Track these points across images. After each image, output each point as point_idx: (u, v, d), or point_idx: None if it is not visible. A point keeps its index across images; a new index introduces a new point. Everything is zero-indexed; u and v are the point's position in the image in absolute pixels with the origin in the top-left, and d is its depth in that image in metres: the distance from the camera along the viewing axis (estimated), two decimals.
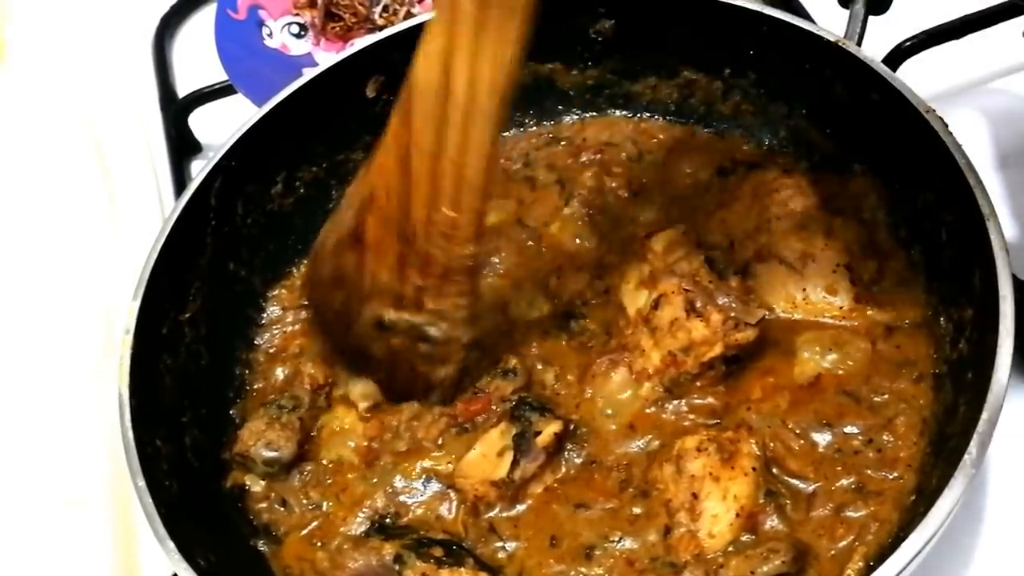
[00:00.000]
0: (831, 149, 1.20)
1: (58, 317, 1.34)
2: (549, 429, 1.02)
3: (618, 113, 1.36)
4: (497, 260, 1.22)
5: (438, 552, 0.98)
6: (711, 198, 1.21)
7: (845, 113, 1.15)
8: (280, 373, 1.17)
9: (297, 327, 1.23)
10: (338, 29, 1.59)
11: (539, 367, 1.11)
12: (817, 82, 1.17)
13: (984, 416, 0.84)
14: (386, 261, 1.02)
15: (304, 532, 1.05)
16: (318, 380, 1.13)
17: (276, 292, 1.26)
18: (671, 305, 1.05)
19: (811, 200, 1.14)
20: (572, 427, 1.05)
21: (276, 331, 1.23)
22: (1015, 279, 0.92)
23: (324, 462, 1.09)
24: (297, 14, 1.60)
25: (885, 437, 0.99)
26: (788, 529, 0.94)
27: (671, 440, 1.01)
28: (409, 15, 1.55)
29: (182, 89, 1.63)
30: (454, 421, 1.07)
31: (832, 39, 1.12)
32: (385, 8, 1.58)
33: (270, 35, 1.58)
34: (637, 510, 0.99)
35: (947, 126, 1.01)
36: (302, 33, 1.59)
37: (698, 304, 1.03)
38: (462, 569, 0.96)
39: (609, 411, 1.06)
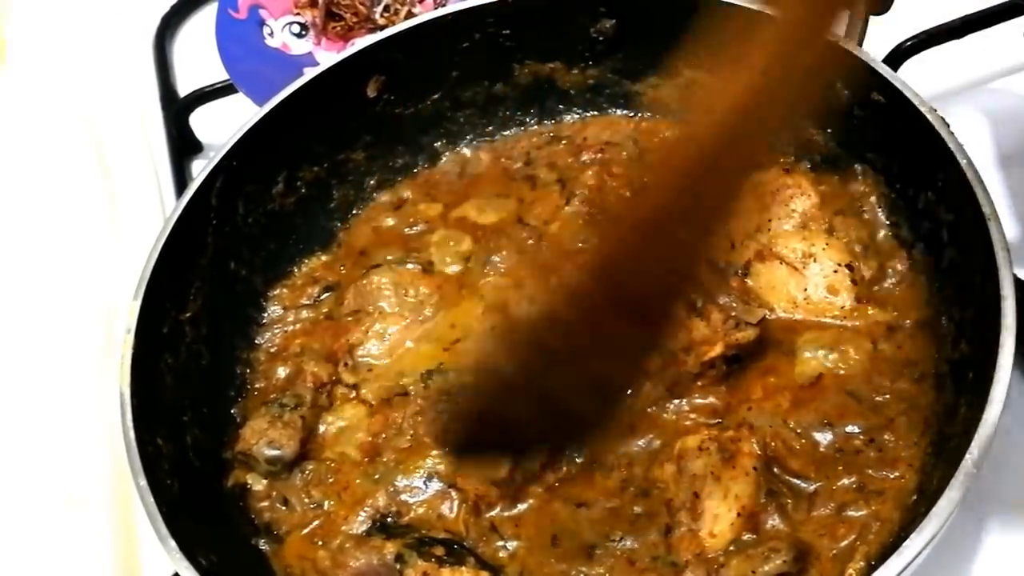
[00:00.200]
0: (832, 149, 1.20)
1: (58, 317, 1.34)
2: None
3: (619, 112, 1.36)
4: (498, 259, 1.22)
5: (439, 551, 0.98)
6: None
7: (846, 113, 1.15)
8: (281, 372, 1.17)
9: (298, 326, 1.23)
10: (339, 29, 1.59)
11: None
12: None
13: (985, 416, 0.84)
14: None
15: (305, 531, 1.05)
16: (321, 378, 1.13)
17: (277, 291, 1.26)
18: None
19: (812, 200, 1.14)
20: None
21: (277, 330, 1.23)
22: (1016, 279, 0.92)
23: (326, 460, 1.09)
24: (298, 13, 1.60)
25: (886, 437, 0.99)
26: (789, 529, 0.94)
27: (672, 440, 1.01)
28: (410, 15, 1.55)
29: (183, 89, 1.63)
30: None
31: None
32: (386, 8, 1.57)
33: (271, 34, 1.58)
34: (638, 509, 0.99)
35: (948, 126, 1.01)
36: (303, 33, 1.59)
37: (699, 304, 1.03)
38: (463, 568, 0.96)
39: None
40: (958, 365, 0.98)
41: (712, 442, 0.98)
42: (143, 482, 0.95)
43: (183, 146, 1.56)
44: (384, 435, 1.09)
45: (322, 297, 1.25)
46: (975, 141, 1.25)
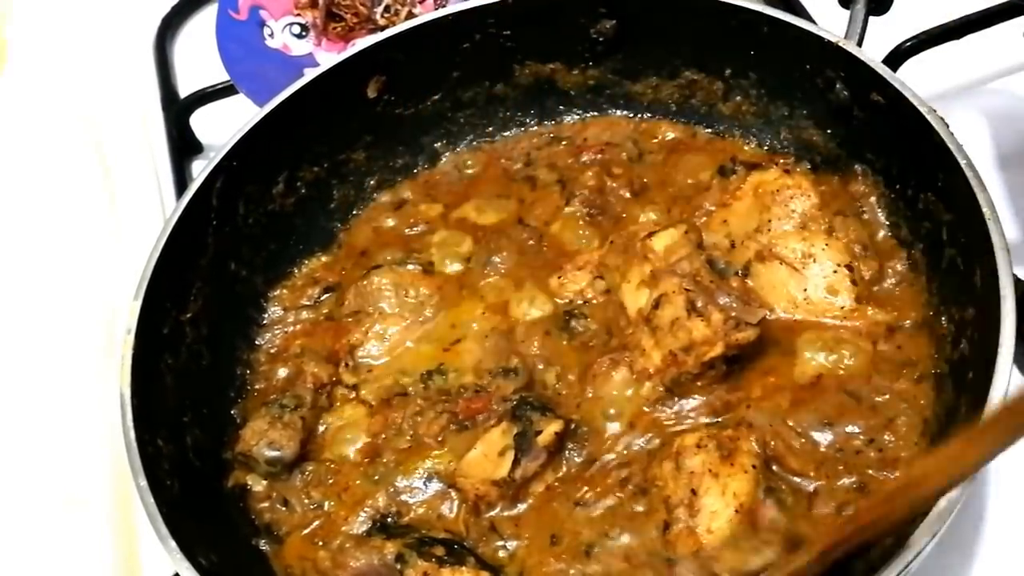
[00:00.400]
0: (832, 149, 1.21)
1: (59, 317, 1.34)
2: (550, 428, 1.02)
3: (619, 113, 1.36)
4: (498, 259, 1.22)
5: (439, 551, 0.98)
6: (712, 198, 1.21)
7: (846, 113, 1.16)
8: (282, 373, 1.17)
9: (298, 327, 1.23)
10: (339, 29, 1.59)
11: (540, 367, 1.11)
12: (818, 82, 1.17)
13: (985, 416, 0.84)
14: None
15: (306, 531, 1.05)
16: (321, 379, 1.13)
17: (277, 292, 1.26)
18: (672, 305, 1.05)
19: (812, 200, 1.14)
20: (573, 426, 1.05)
21: (277, 331, 1.23)
22: (1016, 279, 0.92)
23: (326, 461, 1.09)
24: (298, 14, 1.60)
25: (886, 437, 0.99)
26: (788, 526, 0.94)
27: (671, 439, 1.01)
28: (411, 15, 1.55)
29: (183, 89, 1.64)
30: (455, 418, 1.07)
31: (832, 39, 1.12)
32: (387, 8, 1.58)
33: (271, 35, 1.58)
34: (637, 507, 0.99)
35: (948, 126, 1.01)
36: (303, 33, 1.59)
37: (699, 304, 1.03)
38: (463, 568, 0.96)
39: (610, 410, 1.06)
40: (958, 365, 0.98)
41: (710, 440, 0.98)
42: (143, 482, 0.95)
43: (183, 146, 1.56)
44: (384, 436, 1.09)
45: (322, 298, 1.25)
46: (975, 141, 1.25)
